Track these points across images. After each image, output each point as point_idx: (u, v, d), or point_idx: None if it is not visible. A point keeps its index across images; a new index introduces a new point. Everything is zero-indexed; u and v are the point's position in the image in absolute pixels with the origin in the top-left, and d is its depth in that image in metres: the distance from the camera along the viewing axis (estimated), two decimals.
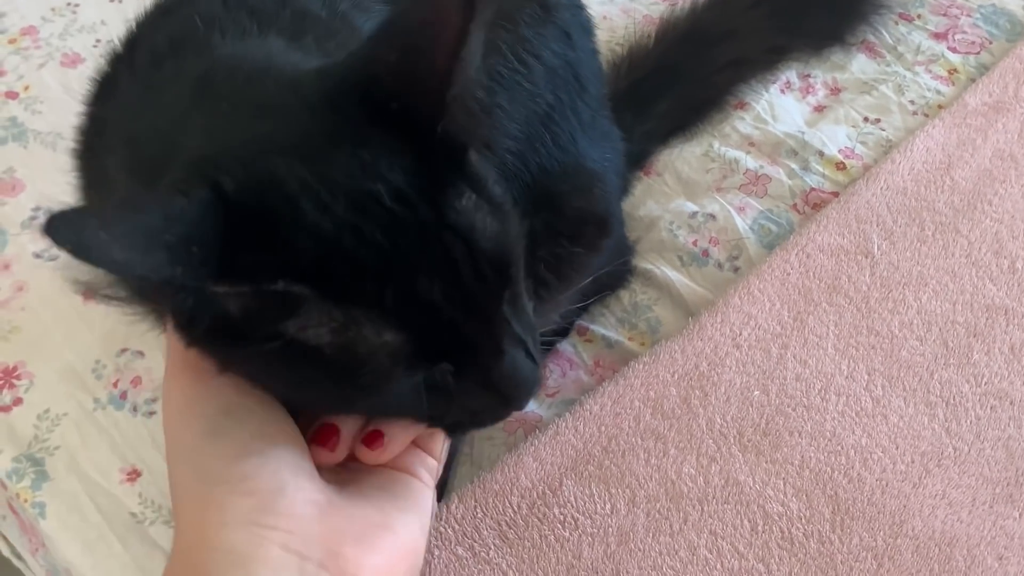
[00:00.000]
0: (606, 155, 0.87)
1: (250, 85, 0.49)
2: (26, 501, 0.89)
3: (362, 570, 0.47)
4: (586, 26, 0.83)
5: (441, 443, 0.58)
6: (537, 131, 0.76)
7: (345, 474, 0.51)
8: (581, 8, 0.83)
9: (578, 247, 0.84)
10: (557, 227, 0.82)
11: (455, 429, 0.55)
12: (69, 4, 1.28)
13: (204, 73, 0.51)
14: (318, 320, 0.45)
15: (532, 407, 0.95)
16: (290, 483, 0.48)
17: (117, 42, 0.64)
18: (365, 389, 0.47)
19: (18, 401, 0.93)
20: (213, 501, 0.47)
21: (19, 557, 1.03)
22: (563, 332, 0.99)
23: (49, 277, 1.01)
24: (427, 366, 0.48)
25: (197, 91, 0.49)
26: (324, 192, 0.44)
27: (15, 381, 0.94)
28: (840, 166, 1.10)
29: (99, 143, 0.61)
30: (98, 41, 1.23)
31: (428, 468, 0.56)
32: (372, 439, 0.53)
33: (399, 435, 0.54)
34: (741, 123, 1.14)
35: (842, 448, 0.89)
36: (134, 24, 0.64)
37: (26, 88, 1.18)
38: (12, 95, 1.17)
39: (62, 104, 1.15)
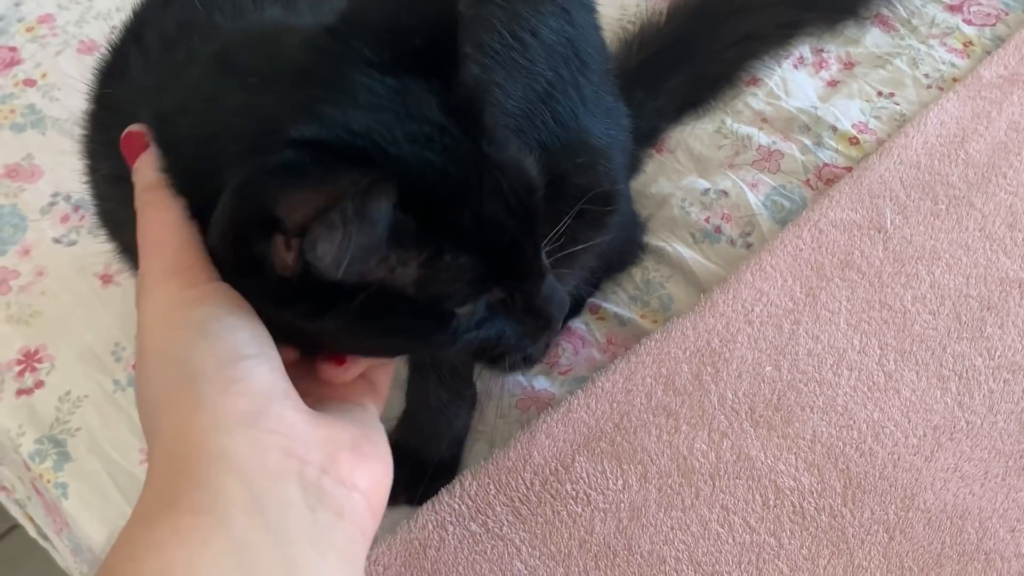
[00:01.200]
0: (610, 131, 0.86)
1: (272, 54, 0.50)
2: (49, 482, 0.90)
3: (358, 476, 0.47)
4: (586, 2, 0.83)
5: (390, 376, 0.59)
6: (537, 108, 0.76)
7: (309, 400, 0.50)
8: None
9: (582, 223, 0.84)
10: (559, 205, 0.82)
11: (499, 363, 0.57)
12: None
13: (219, 52, 0.51)
14: (413, 256, 0.47)
15: (545, 384, 0.95)
16: (282, 389, 0.46)
17: (120, 28, 0.65)
18: (444, 321, 0.50)
19: (40, 384, 0.95)
20: (204, 403, 0.44)
21: (45, 538, 1.05)
22: (575, 310, 1.00)
23: (69, 261, 1.03)
24: (495, 287, 0.52)
25: (219, 70, 0.50)
26: (395, 133, 0.46)
27: (37, 364, 0.96)
28: (853, 141, 1.10)
29: (115, 121, 0.61)
30: (114, 28, 1.22)
31: (376, 401, 0.56)
32: (339, 358, 0.54)
33: (360, 359, 0.55)
34: (753, 99, 1.14)
35: (854, 422, 0.89)
36: (136, 10, 0.64)
37: (43, 75, 1.19)
38: (30, 82, 1.19)
39: (79, 91, 1.16)
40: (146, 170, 0.50)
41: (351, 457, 0.47)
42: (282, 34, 0.51)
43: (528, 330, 0.56)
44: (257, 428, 0.44)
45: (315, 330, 0.50)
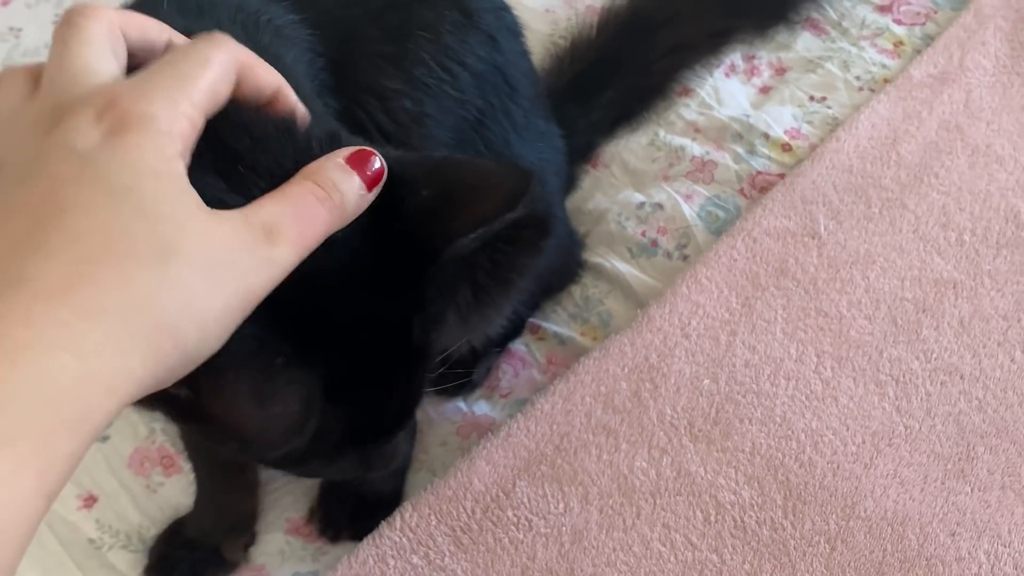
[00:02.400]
0: (543, 155, 0.86)
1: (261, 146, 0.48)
2: None
3: None
4: (512, 28, 0.83)
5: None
6: (469, 137, 0.76)
7: None
8: (505, 10, 0.82)
9: (516, 249, 0.84)
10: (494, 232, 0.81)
11: (308, 476, 0.57)
12: (12, 29, 1.27)
13: None
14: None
15: (485, 409, 0.95)
16: None
17: None
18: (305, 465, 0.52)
19: None
20: None
21: None
22: (515, 331, 0.99)
23: None
24: (350, 448, 0.52)
25: None
26: (338, 298, 0.46)
27: None
28: (786, 147, 1.10)
29: None
30: None
31: None
32: None
33: None
34: (686, 110, 1.14)
35: (792, 432, 0.89)
36: None
37: None
38: None
39: None
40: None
41: None
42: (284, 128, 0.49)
43: (345, 469, 0.56)
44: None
45: None
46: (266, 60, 0.59)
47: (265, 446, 0.47)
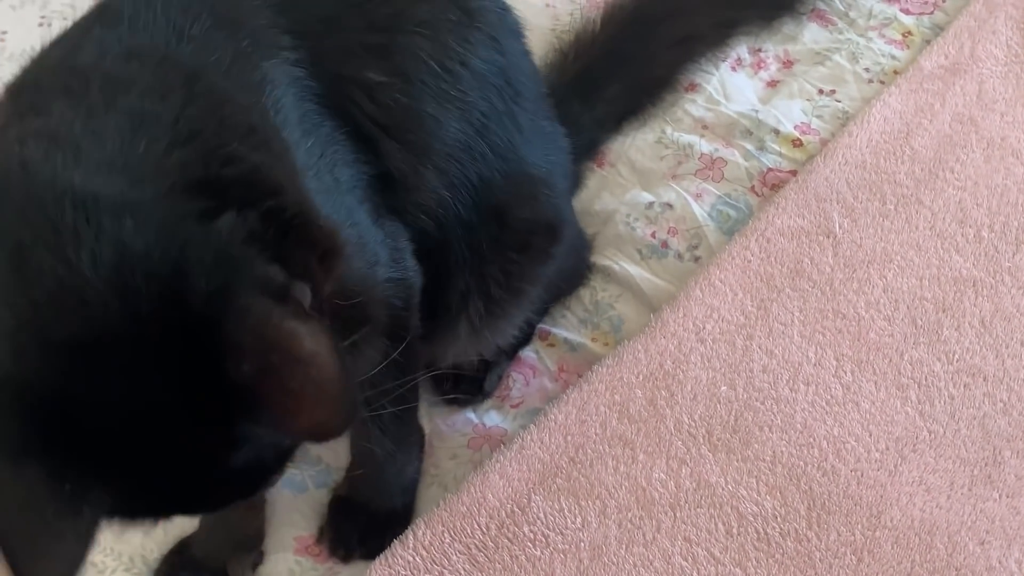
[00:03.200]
0: (550, 157, 0.84)
1: (64, 240, 0.45)
2: None
3: None
4: (514, 29, 0.80)
5: None
6: (474, 141, 0.74)
7: None
8: (507, 10, 0.80)
9: (527, 258, 0.82)
10: (503, 239, 0.79)
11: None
12: None
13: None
14: None
15: (496, 420, 0.93)
16: None
17: None
18: None
19: None
20: None
21: None
22: (525, 339, 0.97)
23: None
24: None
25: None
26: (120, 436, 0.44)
27: None
28: (797, 143, 1.07)
29: None
30: None
31: None
32: None
33: None
34: (693, 106, 1.11)
35: (814, 440, 0.86)
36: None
37: None
38: None
39: None
40: None
41: None
42: (101, 215, 0.46)
43: None
44: None
45: None
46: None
47: None
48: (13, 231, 0.44)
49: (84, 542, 0.43)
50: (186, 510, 0.51)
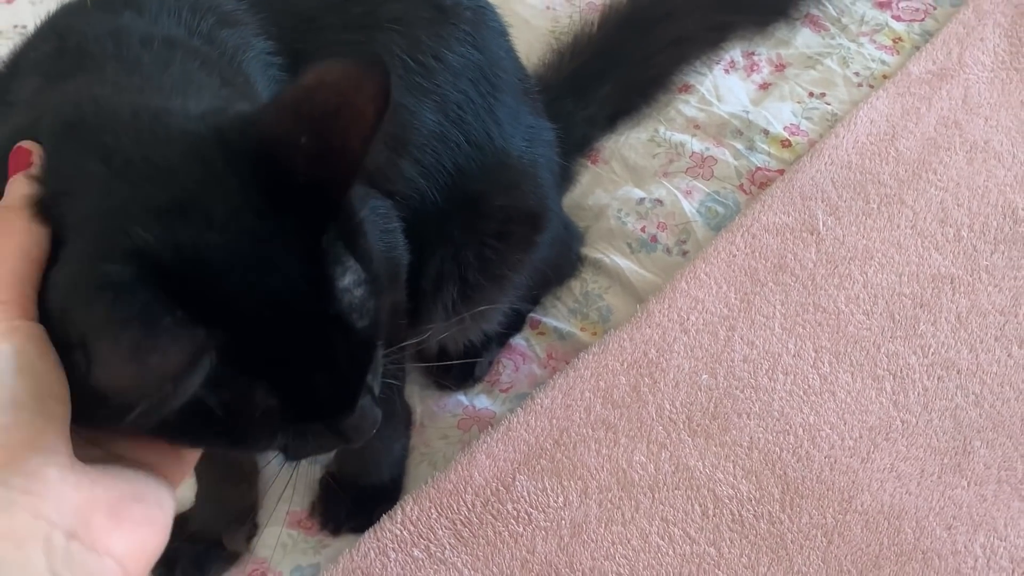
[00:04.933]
0: (533, 150, 0.87)
1: (147, 141, 0.47)
2: None
3: (114, 541, 0.43)
4: (493, 25, 0.83)
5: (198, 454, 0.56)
6: (449, 131, 0.77)
7: (96, 451, 0.47)
8: (485, 9, 0.82)
9: (508, 245, 0.85)
10: (480, 227, 0.82)
11: (296, 456, 0.55)
12: (16, 27, 1.28)
13: (76, 111, 0.50)
14: (223, 383, 0.45)
15: (486, 403, 0.96)
16: (50, 443, 0.43)
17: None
18: (244, 440, 0.49)
19: None
20: None
21: None
22: (516, 326, 1.00)
23: None
24: (299, 425, 0.50)
25: (84, 137, 0.48)
26: (236, 274, 0.45)
27: None
28: (785, 143, 1.11)
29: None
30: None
31: (177, 468, 0.52)
32: None
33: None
34: (686, 106, 1.14)
35: (790, 427, 0.89)
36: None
37: None
38: None
39: None
40: (14, 189, 0.47)
41: (107, 520, 0.44)
42: (163, 119, 0.49)
43: (328, 443, 0.55)
44: (6, 485, 0.41)
45: None
46: (207, 47, 0.60)
47: (146, 401, 0.43)
48: (97, 144, 0.47)
49: (193, 359, 0.42)
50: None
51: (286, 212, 0.46)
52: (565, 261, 1.01)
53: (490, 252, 0.82)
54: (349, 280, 0.48)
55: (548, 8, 1.25)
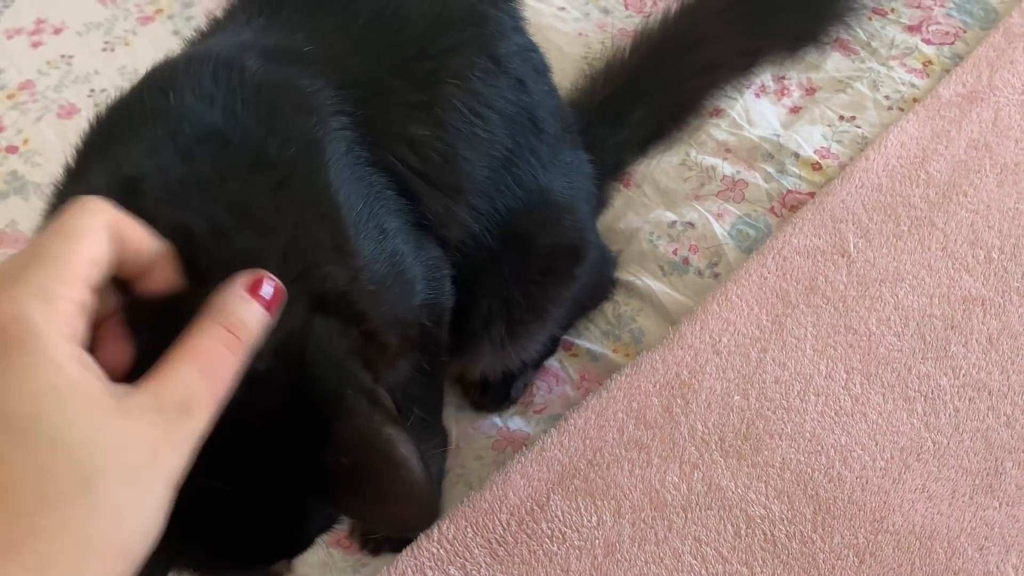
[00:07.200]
0: (573, 184, 0.89)
1: None
2: None
3: None
4: (539, 69, 0.85)
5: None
6: (499, 175, 0.79)
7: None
8: (533, 51, 0.85)
9: (550, 280, 0.87)
10: (527, 265, 0.84)
11: None
12: (63, 56, 1.32)
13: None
14: None
15: (520, 424, 0.97)
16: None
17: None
18: None
19: None
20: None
21: None
22: (551, 349, 1.01)
23: None
24: None
25: None
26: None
27: None
28: (816, 166, 1.12)
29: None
30: (92, 91, 1.27)
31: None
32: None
33: None
34: (716, 130, 1.16)
35: (822, 448, 0.90)
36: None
37: (25, 142, 1.22)
38: (12, 149, 1.22)
39: (60, 156, 1.19)
40: None
41: None
42: None
43: None
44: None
45: None
46: (280, 135, 0.61)
47: None
48: None
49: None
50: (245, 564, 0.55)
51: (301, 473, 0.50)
52: (600, 286, 1.03)
53: (534, 288, 0.84)
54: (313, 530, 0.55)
55: (580, 35, 1.27)
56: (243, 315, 0.45)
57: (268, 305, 0.46)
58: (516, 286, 0.84)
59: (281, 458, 0.50)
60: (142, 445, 0.39)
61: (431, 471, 0.51)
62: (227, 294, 0.45)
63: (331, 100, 0.67)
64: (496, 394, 0.99)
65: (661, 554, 0.86)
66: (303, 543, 0.56)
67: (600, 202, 1.08)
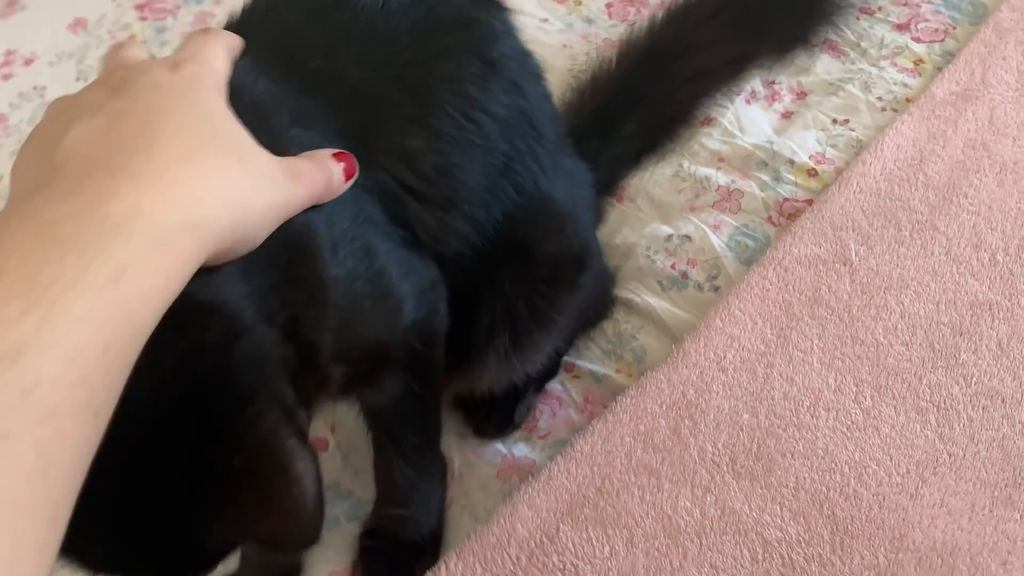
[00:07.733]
0: (575, 191, 0.87)
1: None
2: None
3: None
4: (535, 72, 0.83)
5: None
6: (497, 182, 0.77)
7: None
8: (528, 55, 0.82)
9: (556, 289, 0.84)
10: (530, 274, 0.82)
11: None
12: (36, 88, 1.28)
13: None
14: None
15: (524, 451, 0.95)
16: None
17: None
18: None
19: None
20: None
21: None
22: (552, 370, 0.99)
23: None
24: None
25: None
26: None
27: None
28: (812, 172, 1.10)
29: None
30: None
31: None
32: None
33: None
34: (708, 139, 1.14)
35: (836, 465, 0.88)
36: None
37: None
38: None
39: None
40: None
41: None
42: None
43: None
44: None
45: None
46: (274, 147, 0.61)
47: None
48: None
49: None
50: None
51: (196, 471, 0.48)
52: (603, 300, 1.00)
53: (538, 298, 0.82)
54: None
55: (565, 46, 1.25)
56: (332, 167, 0.57)
57: (345, 174, 0.58)
58: (520, 296, 0.82)
59: (178, 449, 0.48)
60: (268, 165, 0.52)
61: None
62: (321, 151, 0.58)
63: (325, 113, 0.65)
64: (499, 418, 0.96)
65: None
66: (199, 558, 0.53)
67: (597, 218, 1.05)
